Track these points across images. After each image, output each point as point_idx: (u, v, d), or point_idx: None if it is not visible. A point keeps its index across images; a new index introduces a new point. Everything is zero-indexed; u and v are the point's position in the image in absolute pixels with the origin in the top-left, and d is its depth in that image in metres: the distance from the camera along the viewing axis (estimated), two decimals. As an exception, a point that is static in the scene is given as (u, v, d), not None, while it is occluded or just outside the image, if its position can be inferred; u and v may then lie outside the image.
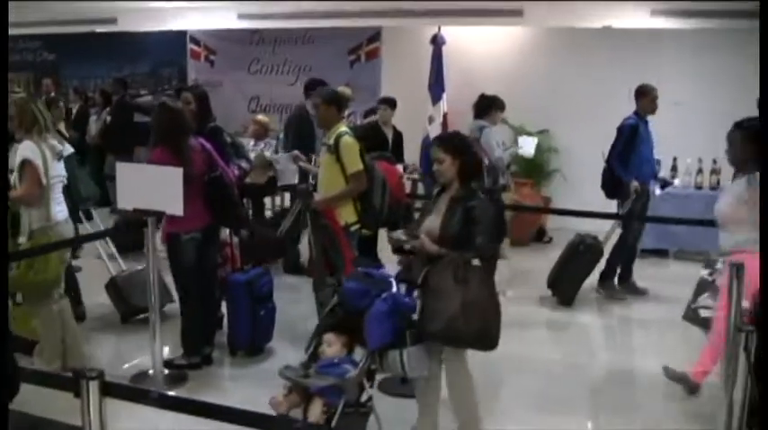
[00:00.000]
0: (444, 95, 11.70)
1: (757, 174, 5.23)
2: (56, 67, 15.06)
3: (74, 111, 13.02)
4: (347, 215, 6.39)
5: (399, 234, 4.77)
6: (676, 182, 10.12)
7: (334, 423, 4.18)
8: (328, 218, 6.43)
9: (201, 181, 6.01)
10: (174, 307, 6.53)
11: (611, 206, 8.53)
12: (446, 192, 4.77)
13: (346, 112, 11.04)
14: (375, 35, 12.82)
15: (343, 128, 6.46)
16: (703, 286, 5.77)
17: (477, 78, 11.64)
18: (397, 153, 9.22)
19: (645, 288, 8.60)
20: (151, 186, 5.80)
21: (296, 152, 8.06)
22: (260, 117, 11.08)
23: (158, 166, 5.88)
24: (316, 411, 4.27)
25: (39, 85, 14.26)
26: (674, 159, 10.11)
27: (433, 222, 4.69)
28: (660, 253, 10.22)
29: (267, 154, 10.47)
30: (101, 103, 12.39)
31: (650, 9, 11.56)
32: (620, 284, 8.60)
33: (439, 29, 11.98)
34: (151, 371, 5.96)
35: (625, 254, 8.52)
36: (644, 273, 8.88)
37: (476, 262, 4.42)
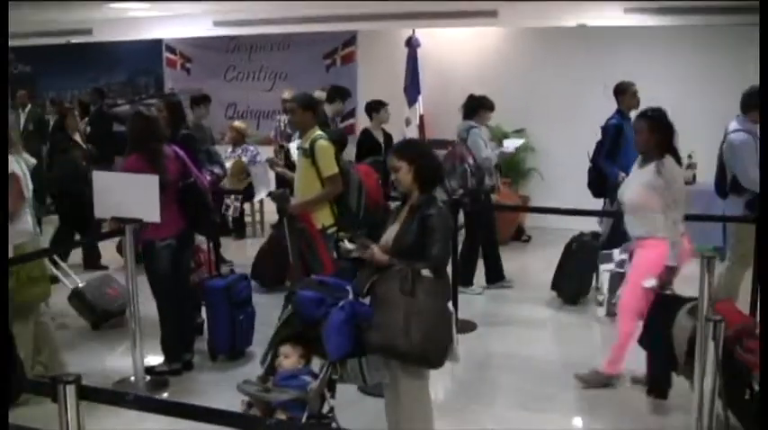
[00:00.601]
0: (420, 98, 11.74)
1: (665, 161, 5.45)
2: (32, 79, 15.02)
3: (51, 122, 12.99)
4: (324, 218, 6.42)
5: (347, 244, 4.64)
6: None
7: None
8: (305, 221, 6.45)
9: (176, 187, 6.08)
10: (148, 311, 6.53)
11: (588, 205, 8.55)
12: (407, 200, 4.64)
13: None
14: (350, 39, 12.86)
15: (318, 132, 6.49)
16: (616, 280, 5.90)
17: (452, 80, 11.74)
18: None
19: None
20: (128, 194, 5.81)
21: (272, 157, 8.07)
22: (237, 123, 11.14)
23: (134, 174, 5.92)
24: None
25: (14, 97, 14.20)
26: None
27: (392, 232, 4.58)
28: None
29: (244, 160, 10.52)
30: (79, 114, 12.32)
31: (623, 7, 11.63)
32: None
33: (413, 31, 12.02)
34: (132, 378, 5.99)
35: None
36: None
37: (426, 272, 4.29)
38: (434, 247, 4.36)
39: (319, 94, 11.17)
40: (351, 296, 4.40)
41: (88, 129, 11.77)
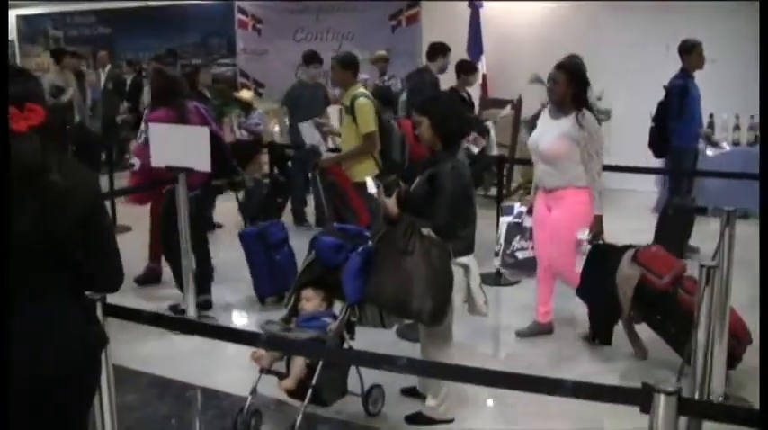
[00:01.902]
0: (483, 57, 11.81)
1: (586, 113, 5.51)
2: (111, 41, 15.53)
3: (128, 82, 13.49)
4: (369, 171, 6.58)
5: (369, 181, 4.80)
6: (725, 145, 10.09)
7: (316, 374, 4.32)
8: (335, 174, 6.72)
9: None
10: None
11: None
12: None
13: (387, 76, 11.43)
14: (415, 0, 12.96)
15: (359, 89, 6.75)
16: (512, 231, 6.02)
17: (514, 39, 11.79)
18: None
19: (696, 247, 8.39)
20: (181, 145, 6.15)
21: (317, 119, 8.33)
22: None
23: (187, 126, 6.29)
24: (299, 364, 4.40)
25: (95, 57, 14.77)
26: (711, 116, 10.12)
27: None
28: (699, 210, 10.27)
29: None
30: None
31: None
32: None
33: (475, -9, 12.04)
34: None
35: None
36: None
37: (426, 232, 4.38)
38: (438, 210, 4.47)
39: (381, 54, 11.49)
40: (369, 243, 4.61)
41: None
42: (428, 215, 4.48)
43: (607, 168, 8.75)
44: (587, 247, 5.58)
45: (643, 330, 5.59)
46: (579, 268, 5.61)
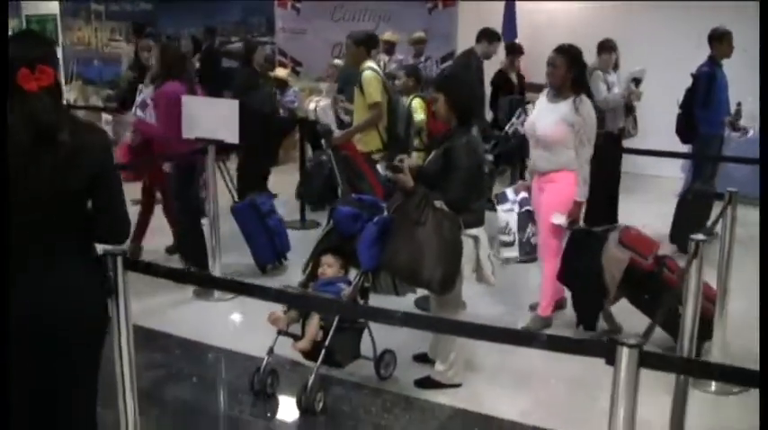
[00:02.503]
0: (517, 41, 11.90)
1: (583, 98, 5.54)
2: (153, 17, 15.79)
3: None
4: (372, 143, 6.97)
5: (387, 165, 5.02)
6: (750, 131, 10.14)
7: (330, 336, 4.57)
8: (348, 149, 6.95)
9: None
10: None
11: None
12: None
13: (423, 58, 11.59)
14: (452, -16, 13.09)
15: (369, 63, 7.02)
16: (525, 219, 5.86)
17: (549, 24, 11.88)
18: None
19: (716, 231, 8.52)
20: (212, 117, 6.39)
21: (336, 95, 8.56)
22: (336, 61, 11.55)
23: (218, 99, 6.60)
24: (313, 326, 4.64)
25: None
26: (738, 104, 10.15)
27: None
28: (719, 196, 10.32)
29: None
30: (191, 50, 13.00)
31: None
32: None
33: (512, -25, 12.13)
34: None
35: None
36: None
37: (439, 204, 4.57)
38: (451, 184, 4.64)
39: (419, 35, 11.63)
40: (385, 213, 4.84)
41: (197, 66, 12.42)
42: (441, 188, 4.66)
43: (631, 151, 9.00)
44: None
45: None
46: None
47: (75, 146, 2.79)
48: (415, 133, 7.83)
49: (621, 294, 5.48)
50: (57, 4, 17.45)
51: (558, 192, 5.64)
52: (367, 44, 7.22)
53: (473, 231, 4.78)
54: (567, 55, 5.67)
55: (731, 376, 3.05)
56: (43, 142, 2.73)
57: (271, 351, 4.82)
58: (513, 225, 5.76)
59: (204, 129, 6.41)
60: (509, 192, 6.02)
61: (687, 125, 8.48)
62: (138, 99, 7.12)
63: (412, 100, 7.78)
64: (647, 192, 10.23)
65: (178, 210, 6.95)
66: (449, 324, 3.38)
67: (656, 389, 3.77)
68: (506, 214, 5.77)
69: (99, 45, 16.99)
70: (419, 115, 7.53)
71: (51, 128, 2.73)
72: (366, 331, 4.92)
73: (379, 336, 4.97)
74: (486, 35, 9.56)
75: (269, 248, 7.13)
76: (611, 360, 2.50)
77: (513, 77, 10.29)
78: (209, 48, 12.73)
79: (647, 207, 9.36)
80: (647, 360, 2.49)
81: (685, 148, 9.06)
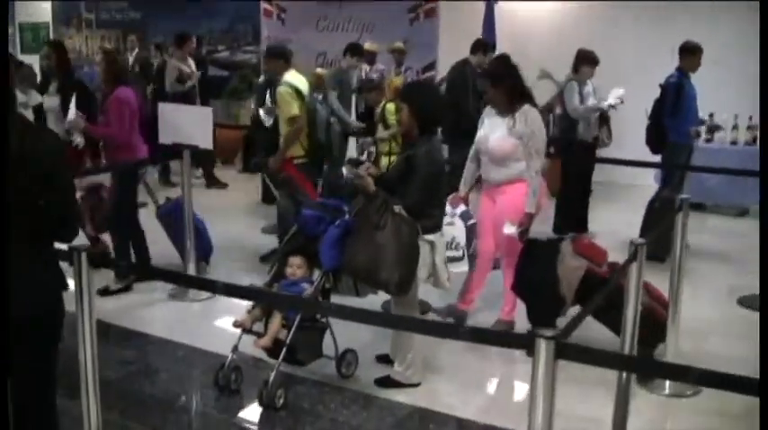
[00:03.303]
0: (495, 52, 12.07)
1: (530, 110, 5.61)
2: (142, 25, 16.01)
3: (155, 65, 13.90)
4: (293, 150, 7.20)
5: (344, 169, 5.26)
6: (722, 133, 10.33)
7: (291, 334, 4.78)
8: (286, 170, 7.26)
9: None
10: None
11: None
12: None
13: (402, 68, 11.79)
14: (433, -6, 13.31)
15: (286, 77, 7.25)
16: (472, 231, 5.89)
17: (527, 35, 12.11)
18: None
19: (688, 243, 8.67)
20: (186, 123, 6.60)
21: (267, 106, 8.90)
22: (318, 70, 11.73)
23: (192, 106, 6.82)
24: (275, 324, 4.86)
25: (125, 40, 15.26)
26: (711, 115, 10.36)
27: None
28: (697, 206, 10.53)
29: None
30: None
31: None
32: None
33: (491, -14, 12.32)
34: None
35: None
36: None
37: (398, 209, 4.74)
38: (409, 189, 4.83)
39: (398, 45, 11.82)
40: (347, 216, 5.04)
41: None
42: (401, 194, 4.85)
43: (603, 161, 9.19)
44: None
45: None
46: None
47: (25, 148, 2.93)
48: (391, 137, 8.11)
49: (576, 302, 5.49)
50: (49, 11, 17.67)
51: (511, 203, 5.71)
52: (284, 56, 7.51)
53: (430, 237, 4.95)
54: (496, 75, 5.78)
55: (651, 368, 3.24)
56: None
57: (235, 348, 5.01)
58: (461, 239, 5.78)
59: (179, 134, 6.60)
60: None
61: (656, 135, 8.64)
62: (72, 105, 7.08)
63: (384, 105, 7.99)
64: (619, 201, 10.43)
65: (116, 216, 6.91)
66: (382, 317, 3.61)
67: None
68: (449, 228, 5.69)
69: (90, 52, 17.18)
70: (391, 120, 7.76)
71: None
72: (328, 331, 5.10)
73: (342, 337, 5.17)
74: (481, 47, 9.85)
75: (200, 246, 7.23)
76: (531, 351, 2.68)
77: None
78: (195, 56, 12.82)
79: (619, 215, 9.57)
80: (564, 352, 2.67)
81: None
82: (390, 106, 8.00)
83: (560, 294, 5.44)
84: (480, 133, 5.91)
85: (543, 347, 2.66)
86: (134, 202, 6.95)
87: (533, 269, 5.63)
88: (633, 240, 3.98)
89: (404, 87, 5.62)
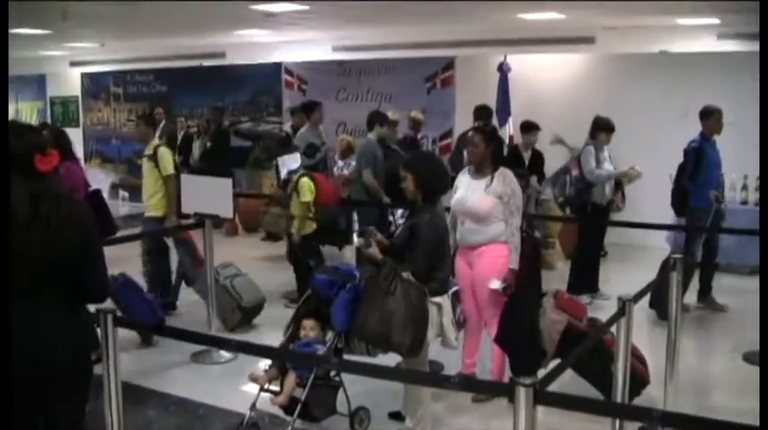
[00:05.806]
0: (510, 119, 12.42)
1: (507, 171, 5.88)
2: (168, 98, 16.58)
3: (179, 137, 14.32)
4: (164, 208, 7.93)
5: (356, 238, 5.51)
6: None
7: (305, 392, 5.03)
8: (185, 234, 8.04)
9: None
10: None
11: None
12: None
13: (419, 135, 12.11)
14: (449, 64, 13.70)
15: (156, 142, 8.16)
16: (456, 298, 5.79)
17: (540, 102, 12.41)
18: (538, 171, 10.32)
19: (725, 304, 8.89)
20: (207, 194, 6.96)
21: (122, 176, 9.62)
22: (345, 136, 12.08)
23: (213, 178, 7.18)
24: (290, 382, 5.11)
25: (152, 113, 15.73)
26: (721, 175, 10.56)
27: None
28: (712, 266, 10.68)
29: (345, 173, 11.32)
30: (204, 130, 13.57)
31: (716, 33, 12.11)
32: (699, 300, 8.95)
33: (505, 57, 12.68)
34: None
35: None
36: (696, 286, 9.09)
37: (406, 275, 4.98)
38: (416, 256, 5.13)
39: (416, 114, 12.15)
40: (357, 280, 5.29)
41: (209, 144, 12.98)
42: (408, 260, 5.14)
43: (615, 224, 9.46)
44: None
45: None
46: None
47: (62, 219, 3.24)
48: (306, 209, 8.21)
49: (556, 355, 5.60)
50: (79, 86, 18.37)
51: (493, 262, 5.86)
52: (153, 124, 8.56)
53: (437, 299, 5.21)
54: (484, 134, 6.05)
55: (628, 414, 3.46)
56: (39, 217, 3.17)
57: (253, 406, 5.27)
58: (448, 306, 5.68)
59: (201, 205, 6.96)
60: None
61: (679, 198, 8.95)
62: None
63: (299, 179, 8.28)
64: (631, 261, 10.60)
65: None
66: (383, 371, 3.81)
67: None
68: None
69: (117, 125, 17.76)
70: (305, 195, 8.13)
71: (55, 202, 3.21)
72: (341, 389, 5.36)
73: (355, 395, 5.41)
74: (487, 113, 10.48)
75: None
76: (512, 398, 2.93)
77: (526, 154, 10.45)
78: (218, 127, 13.21)
79: (631, 276, 9.68)
80: (542, 398, 2.92)
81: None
82: (304, 182, 8.31)
83: (542, 346, 5.60)
84: (456, 196, 6.06)
85: (523, 394, 2.91)
86: None
87: (517, 322, 5.75)
88: (621, 296, 4.22)
89: (408, 158, 5.90)
